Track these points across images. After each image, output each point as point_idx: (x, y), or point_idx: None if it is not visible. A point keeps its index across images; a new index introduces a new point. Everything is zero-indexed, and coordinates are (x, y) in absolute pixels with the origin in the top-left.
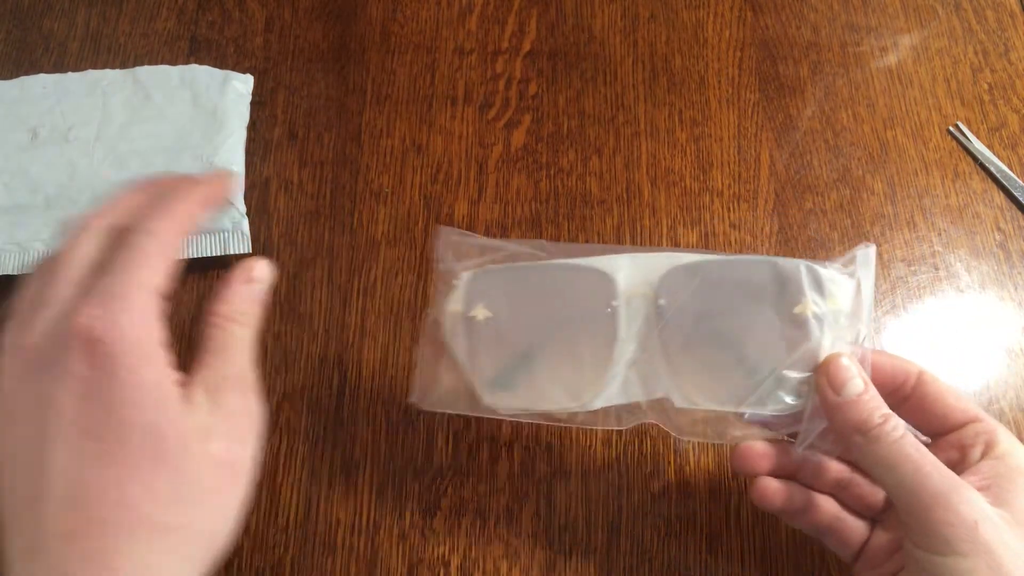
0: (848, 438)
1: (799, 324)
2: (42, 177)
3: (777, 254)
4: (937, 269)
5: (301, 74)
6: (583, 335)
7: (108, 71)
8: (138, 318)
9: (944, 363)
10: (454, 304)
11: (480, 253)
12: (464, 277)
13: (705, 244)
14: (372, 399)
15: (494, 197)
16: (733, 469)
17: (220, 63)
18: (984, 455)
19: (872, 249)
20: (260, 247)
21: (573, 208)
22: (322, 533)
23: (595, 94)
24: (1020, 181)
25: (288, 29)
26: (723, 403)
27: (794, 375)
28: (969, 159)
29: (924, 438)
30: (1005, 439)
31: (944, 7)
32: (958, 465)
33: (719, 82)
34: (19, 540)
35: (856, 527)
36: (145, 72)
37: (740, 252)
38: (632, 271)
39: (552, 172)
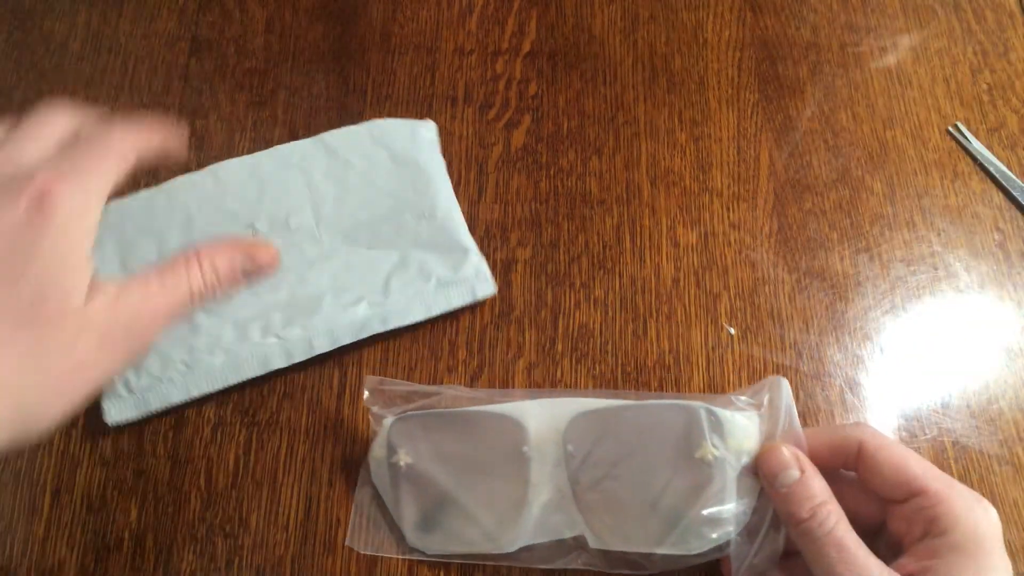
0: (785, 525)
1: (702, 466)
2: (279, 272)
3: (777, 254)
4: (936, 269)
5: (301, 74)
6: (498, 480)
7: (294, 144)
8: (91, 201)
9: (944, 363)
10: (378, 449)
11: (407, 398)
12: (386, 424)
13: (704, 244)
14: None
15: (494, 197)
16: None
17: (220, 64)
18: (925, 534)
19: (784, 384)
20: None
21: (573, 208)
22: (322, 533)
23: (595, 94)
24: (1019, 181)
25: (288, 29)
26: (635, 545)
27: (705, 514)
28: (968, 159)
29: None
30: (946, 514)
31: (943, 7)
32: (904, 538)
33: (719, 82)
34: None
35: None
36: (333, 137)
37: (740, 253)
38: (541, 418)
39: (552, 172)
